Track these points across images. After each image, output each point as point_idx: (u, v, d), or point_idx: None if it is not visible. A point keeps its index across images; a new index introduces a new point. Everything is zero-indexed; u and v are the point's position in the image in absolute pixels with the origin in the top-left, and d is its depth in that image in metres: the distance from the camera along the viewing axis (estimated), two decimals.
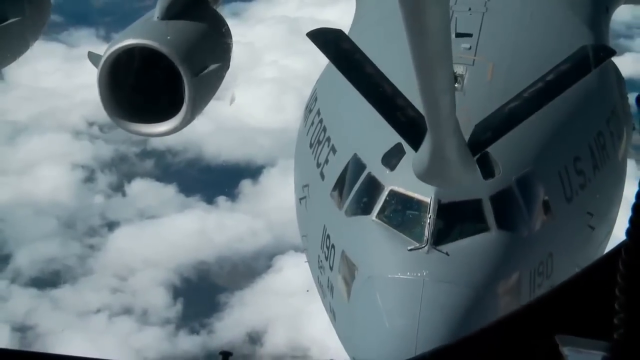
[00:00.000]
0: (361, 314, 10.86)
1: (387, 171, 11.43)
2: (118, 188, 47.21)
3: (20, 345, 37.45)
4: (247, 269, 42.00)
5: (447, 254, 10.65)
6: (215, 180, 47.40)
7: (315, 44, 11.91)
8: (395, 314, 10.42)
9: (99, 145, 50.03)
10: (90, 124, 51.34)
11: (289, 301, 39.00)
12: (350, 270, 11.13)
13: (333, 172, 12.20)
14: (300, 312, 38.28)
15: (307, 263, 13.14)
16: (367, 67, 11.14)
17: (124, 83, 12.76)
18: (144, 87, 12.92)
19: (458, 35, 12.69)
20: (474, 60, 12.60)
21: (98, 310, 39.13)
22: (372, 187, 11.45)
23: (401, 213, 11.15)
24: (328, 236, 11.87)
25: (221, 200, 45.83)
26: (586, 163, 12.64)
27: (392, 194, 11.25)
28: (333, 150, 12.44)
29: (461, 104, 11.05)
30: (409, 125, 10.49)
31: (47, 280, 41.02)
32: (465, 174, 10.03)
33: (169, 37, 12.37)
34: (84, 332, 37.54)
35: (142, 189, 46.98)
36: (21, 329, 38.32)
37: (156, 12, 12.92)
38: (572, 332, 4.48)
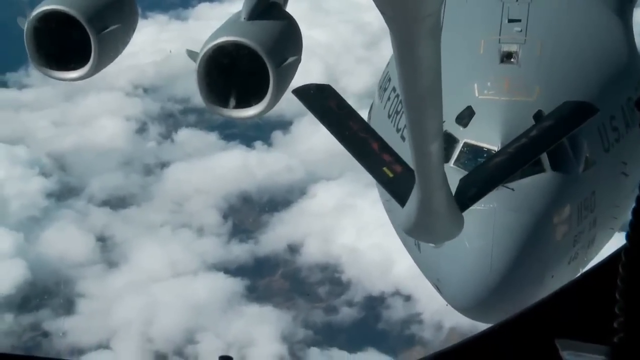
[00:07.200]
0: None
1: (461, 128, 13.49)
2: (167, 136, 53.52)
3: (102, 252, 44.57)
4: (285, 196, 48.69)
5: (512, 189, 12.64)
6: (251, 131, 52.95)
7: (301, 101, 12.87)
8: (474, 236, 12.21)
9: (147, 102, 56.06)
10: (136, 87, 57.29)
11: (322, 220, 45.92)
12: None
13: None
14: (332, 228, 45.49)
15: (389, 212, 14.88)
16: (354, 123, 11.73)
17: (216, 74, 13.92)
18: (233, 78, 14.04)
19: (510, 21, 14.72)
20: (525, 39, 14.39)
21: (162, 225, 46.15)
22: (449, 141, 13.16)
23: (474, 160, 13.10)
24: None
25: (258, 144, 52.27)
26: (620, 121, 14.52)
27: (466, 145, 13.33)
28: None
29: (517, 73, 13.91)
30: (395, 180, 10.79)
31: (116, 203, 47.88)
32: (452, 229, 10.22)
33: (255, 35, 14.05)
34: (153, 241, 44.59)
35: (188, 137, 53.18)
36: (102, 239, 45.28)
37: (242, 14, 14.31)
38: (572, 336, 4.44)
